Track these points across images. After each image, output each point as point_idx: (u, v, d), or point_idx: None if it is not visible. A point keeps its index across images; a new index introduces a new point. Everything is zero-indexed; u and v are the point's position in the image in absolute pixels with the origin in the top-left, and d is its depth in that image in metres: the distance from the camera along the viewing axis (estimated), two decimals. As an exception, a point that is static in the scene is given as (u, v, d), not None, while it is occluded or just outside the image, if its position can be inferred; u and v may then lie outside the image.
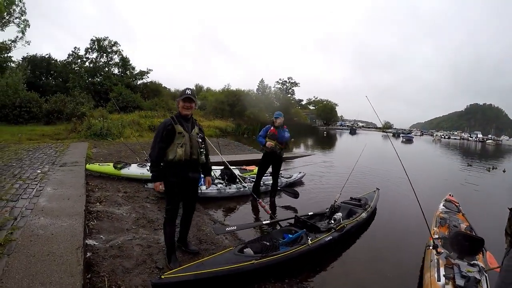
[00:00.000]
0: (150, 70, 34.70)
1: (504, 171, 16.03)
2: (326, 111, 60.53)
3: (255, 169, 9.50)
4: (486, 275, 3.55)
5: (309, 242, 3.97)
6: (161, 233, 4.20)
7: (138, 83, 33.60)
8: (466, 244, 3.88)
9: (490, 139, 69.67)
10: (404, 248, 5.16)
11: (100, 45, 32.90)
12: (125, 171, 7.00)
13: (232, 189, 6.89)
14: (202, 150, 3.42)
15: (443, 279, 3.44)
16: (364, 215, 5.60)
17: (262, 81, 55.93)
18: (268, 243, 3.80)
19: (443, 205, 6.87)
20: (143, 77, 34.37)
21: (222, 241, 4.38)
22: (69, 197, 4.58)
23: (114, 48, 33.58)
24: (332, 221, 4.83)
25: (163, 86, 34.94)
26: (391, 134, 62.29)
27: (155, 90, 32.29)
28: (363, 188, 8.33)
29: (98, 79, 31.17)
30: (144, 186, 6.06)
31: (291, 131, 6.54)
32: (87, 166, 6.93)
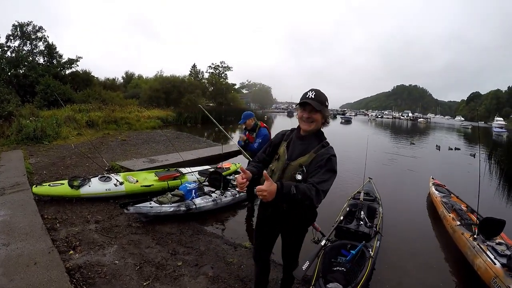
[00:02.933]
0: (79, 57, 30.17)
1: (449, 149, 16.94)
2: (261, 95, 60.15)
3: (231, 166, 8.37)
4: None
5: (371, 253, 3.56)
6: (188, 281, 3.17)
7: (66, 73, 29.10)
8: (492, 227, 4.05)
9: (421, 118, 74.96)
10: (425, 235, 5.34)
11: (23, 31, 27.76)
12: (85, 190, 5.37)
13: (228, 197, 5.79)
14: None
15: (496, 261, 3.57)
16: (381, 209, 5.22)
17: (194, 66, 53.29)
18: (342, 268, 3.30)
19: (435, 189, 6.73)
20: (72, 65, 29.81)
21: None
22: (35, 259, 3.02)
23: (39, 34, 28.57)
24: (361, 222, 4.37)
25: (91, 75, 30.87)
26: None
27: (86, 80, 28.45)
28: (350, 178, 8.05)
29: (22, 71, 26.16)
30: (125, 210, 4.56)
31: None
32: (34, 189, 5.11)
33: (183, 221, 4.88)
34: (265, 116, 42.36)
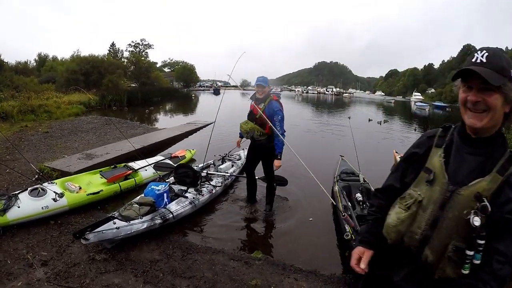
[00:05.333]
0: None
1: (385, 122, 17.64)
2: (185, 73, 56.46)
3: (186, 153, 7.15)
4: None
5: None
6: None
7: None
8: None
9: (346, 93, 76.56)
10: None
11: None
12: (14, 214, 3.74)
13: (205, 195, 4.62)
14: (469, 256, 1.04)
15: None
16: (373, 189, 4.54)
17: (113, 44, 47.74)
18: None
19: None
20: (-21, 48, 23.93)
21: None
22: None
23: None
24: (365, 206, 3.98)
25: (0, 58, 25.11)
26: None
27: None
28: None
29: None
30: (82, 241, 3.08)
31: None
32: None
33: (159, 238, 3.68)
34: (193, 95, 39.90)
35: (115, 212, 3.73)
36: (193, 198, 4.40)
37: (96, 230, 3.15)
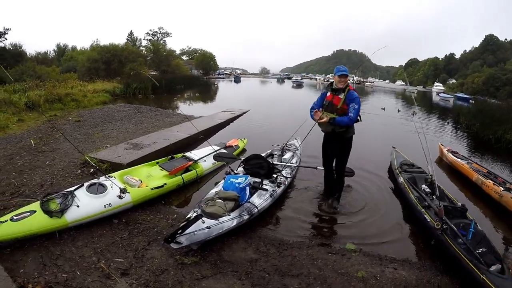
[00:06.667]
0: (7, 29, 23.91)
1: (413, 114, 16.60)
2: (205, 61, 55.54)
3: (239, 142, 6.53)
4: None
5: (479, 227, 3.23)
6: None
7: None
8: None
9: (368, 82, 73.07)
10: (474, 201, 4.92)
11: None
12: (74, 214, 3.12)
13: (281, 186, 4.13)
14: None
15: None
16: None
17: (131, 33, 47.50)
18: (484, 249, 2.84)
19: (454, 156, 6.16)
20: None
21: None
22: None
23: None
24: (434, 197, 3.70)
25: (22, 49, 25.09)
26: (275, 80, 60.53)
27: (16, 55, 22.91)
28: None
29: None
30: (173, 245, 2.57)
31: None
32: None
33: (244, 234, 3.26)
34: (215, 83, 39.14)
35: (196, 209, 3.17)
36: (272, 190, 3.94)
37: (187, 232, 2.65)
